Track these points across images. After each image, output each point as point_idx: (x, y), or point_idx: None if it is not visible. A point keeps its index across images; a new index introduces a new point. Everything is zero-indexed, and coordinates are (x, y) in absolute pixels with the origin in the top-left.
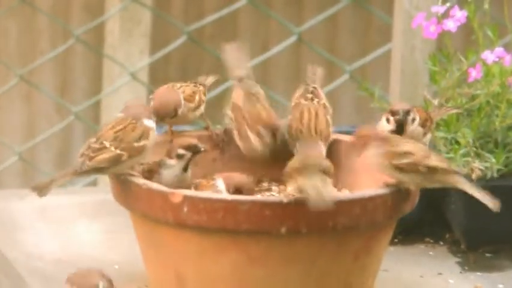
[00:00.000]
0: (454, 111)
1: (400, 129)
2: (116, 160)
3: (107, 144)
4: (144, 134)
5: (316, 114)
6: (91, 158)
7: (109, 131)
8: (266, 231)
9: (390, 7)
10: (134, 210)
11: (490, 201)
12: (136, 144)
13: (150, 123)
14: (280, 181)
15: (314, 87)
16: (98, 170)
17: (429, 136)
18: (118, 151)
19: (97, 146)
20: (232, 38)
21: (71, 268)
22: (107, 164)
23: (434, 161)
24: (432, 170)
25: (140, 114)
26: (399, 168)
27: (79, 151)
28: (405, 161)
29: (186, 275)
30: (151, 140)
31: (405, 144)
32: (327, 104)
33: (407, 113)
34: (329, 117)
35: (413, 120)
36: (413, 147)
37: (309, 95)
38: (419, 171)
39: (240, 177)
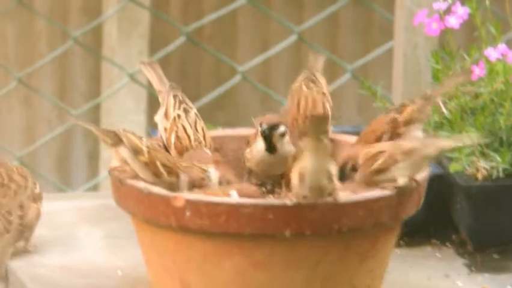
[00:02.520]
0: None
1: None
2: None
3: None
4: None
5: (314, 102)
6: None
7: None
8: (270, 235)
9: (391, 4)
10: (136, 214)
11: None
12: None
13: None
14: (282, 184)
15: (315, 76)
16: None
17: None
18: None
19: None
20: (232, 38)
21: (73, 274)
22: None
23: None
24: None
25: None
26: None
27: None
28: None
29: (190, 279)
30: None
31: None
32: (327, 93)
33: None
34: (328, 105)
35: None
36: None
37: (310, 83)
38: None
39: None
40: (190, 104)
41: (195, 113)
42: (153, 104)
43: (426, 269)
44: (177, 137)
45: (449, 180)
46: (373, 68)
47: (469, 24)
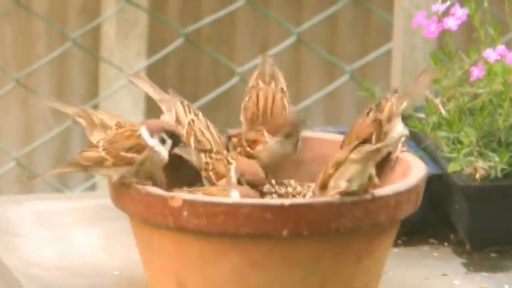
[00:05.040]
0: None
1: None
2: (98, 162)
3: (100, 143)
4: (137, 147)
5: (273, 98)
6: (81, 152)
7: (112, 133)
8: (267, 235)
9: (390, 6)
10: (133, 215)
11: None
12: (122, 154)
13: (151, 141)
14: (282, 183)
15: (273, 70)
16: (83, 167)
17: None
18: (102, 153)
19: (94, 143)
20: (230, 39)
21: (70, 274)
22: (90, 163)
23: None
24: None
25: (145, 127)
26: None
27: None
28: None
29: (187, 280)
30: (144, 157)
31: None
32: (285, 89)
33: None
34: (285, 101)
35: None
36: None
37: (268, 79)
38: None
39: (253, 171)
40: (195, 107)
41: (203, 116)
42: (151, 105)
43: (424, 269)
44: (198, 141)
45: (447, 180)
46: (371, 69)
47: (467, 26)
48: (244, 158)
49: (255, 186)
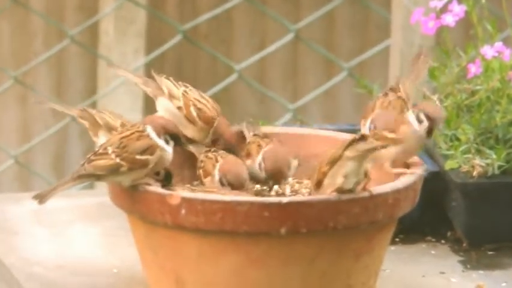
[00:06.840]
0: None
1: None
2: (114, 170)
3: (108, 150)
4: (150, 149)
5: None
6: (90, 162)
7: (116, 136)
8: (265, 232)
9: (388, 3)
10: (131, 213)
11: None
12: (137, 157)
13: (160, 141)
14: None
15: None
16: (97, 176)
17: None
18: (117, 160)
19: (100, 150)
20: (228, 36)
21: (69, 273)
22: (105, 172)
23: None
24: None
25: (151, 126)
26: None
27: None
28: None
29: (185, 277)
30: (157, 157)
31: None
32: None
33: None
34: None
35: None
36: None
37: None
38: None
39: (235, 172)
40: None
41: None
42: (149, 102)
43: (421, 266)
44: (198, 109)
45: (444, 178)
46: (370, 66)
47: (465, 22)
48: (232, 157)
49: (236, 187)
